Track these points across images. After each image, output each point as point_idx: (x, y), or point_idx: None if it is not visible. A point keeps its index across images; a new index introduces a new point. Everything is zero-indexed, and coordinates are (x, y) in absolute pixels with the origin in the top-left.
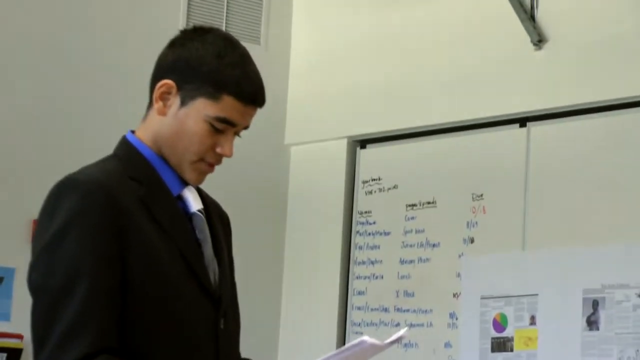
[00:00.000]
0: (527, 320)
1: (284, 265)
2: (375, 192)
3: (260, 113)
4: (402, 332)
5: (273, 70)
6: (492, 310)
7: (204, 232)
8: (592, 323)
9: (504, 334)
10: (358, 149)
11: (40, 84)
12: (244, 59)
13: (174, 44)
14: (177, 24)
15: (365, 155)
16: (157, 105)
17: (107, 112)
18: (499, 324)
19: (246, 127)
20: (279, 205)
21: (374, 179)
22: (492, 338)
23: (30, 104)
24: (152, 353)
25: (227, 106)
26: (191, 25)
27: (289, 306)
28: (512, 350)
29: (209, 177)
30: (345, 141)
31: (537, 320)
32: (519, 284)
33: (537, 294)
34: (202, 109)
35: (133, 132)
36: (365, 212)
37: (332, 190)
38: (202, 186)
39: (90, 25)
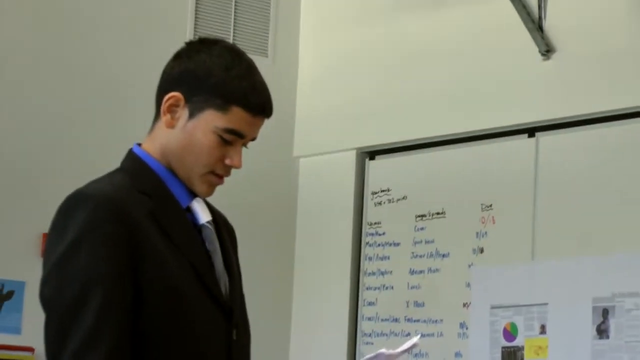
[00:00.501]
0: (537, 330)
1: (293, 277)
2: (384, 203)
3: (268, 125)
4: (414, 339)
5: (281, 82)
6: (502, 320)
7: (213, 244)
8: (602, 332)
9: (514, 343)
10: (367, 160)
11: (50, 98)
12: (251, 70)
13: (180, 56)
14: (185, 37)
15: (374, 167)
16: (165, 117)
17: (117, 125)
18: (509, 333)
19: (254, 139)
20: (288, 218)
21: (383, 190)
22: (503, 347)
23: (41, 118)
24: None
25: (235, 118)
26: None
27: (300, 317)
28: (522, 359)
29: (218, 190)
30: (354, 153)
31: (548, 329)
32: (529, 293)
33: (547, 303)
34: (210, 121)
35: (139, 144)
36: (375, 223)
37: (341, 202)
38: (212, 199)
39: (98, 39)
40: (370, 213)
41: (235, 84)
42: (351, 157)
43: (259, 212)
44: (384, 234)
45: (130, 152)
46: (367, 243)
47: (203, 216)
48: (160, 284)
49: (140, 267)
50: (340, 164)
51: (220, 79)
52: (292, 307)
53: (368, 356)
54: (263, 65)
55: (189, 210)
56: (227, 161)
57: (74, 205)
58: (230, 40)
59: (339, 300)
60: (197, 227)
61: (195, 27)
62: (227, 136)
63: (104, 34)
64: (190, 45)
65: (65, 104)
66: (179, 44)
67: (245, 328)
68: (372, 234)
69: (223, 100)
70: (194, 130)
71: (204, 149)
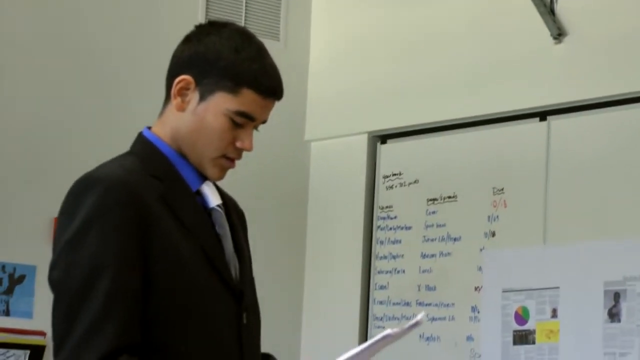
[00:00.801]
0: (549, 313)
1: (305, 261)
2: (396, 186)
3: (280, 109)
4: (419, 316)
5: (292, 66)
6: (514, 304)
7: (223, 228)
8: (613, 315)
9: (526, 327)
10: (378, 144)
11: (60, 83)
12: (262, 52)
13: (189, 39)
14: (196, 20)
15: (386, 150)
16: (176, 101)
17: (127, 109)
18: (521, 317)
19: (264, 121)
20: (299, 202)
21: (395, 174)
22: (514, 331)
23: (51, 103)
24: (176, 348)
25: (246, 100)
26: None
27: (311, 302)
28: (534, 343)
29: (230, 174)
30: (365, 136)
31: (559, 312)
32: (540, 277)
33: (558, 287)
34: (221, 104)
35: (149, 128)
36: (387, 207)
37: (353, 186)
38: (223, 183)
39: (108, 22)
40: (382, 197)
41: (245, 66)
42: (363, 141)
43: (270, 196)
44: (395, 217)
45: (140, 135)
46: (379, 227)
47: (213, 200)
48: (170, 267)
49: (150, 251)
50: (352, 148)
51: (231, 61)
52: (304, 291)
53: (376, 338)
54: (274, 49)
55: (199, 193)
56: (239, 144)
57: (84, 188)
58: (242, 24)
59: (350, 284)
60: (207, 211)
61: (206, 11)
62: (238, 119)
63: (114, 17)
64: (200, 28)
65: (76, 89)
66: (190, 28)
67: (255, 311)
68: (383, 218)
69: (234, 82)
70: (204, 113)
71: (215, 132)
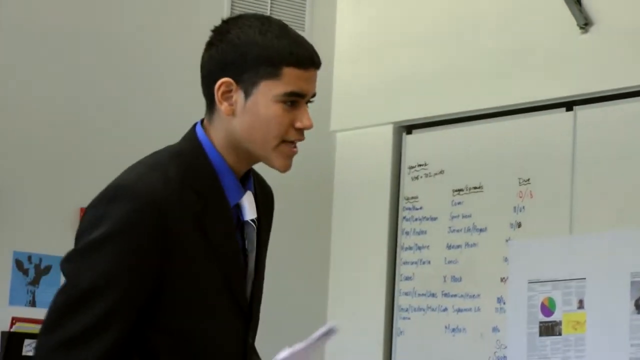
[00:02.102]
0: (575, 304)
1: (330, 252)
2: (421, 177)
3: None
4: (328, 326)
5: None
6: (540, 295)
7: (252, 243)
8: None
9: (552, 318)
10: (404, 134)
11: (88, 74)
12: (285, 27)
13: (212, 44)
14: (222, 12)
15: (411, 141)
16: (223, 106)
17: (153, 102)
18: (547, 308)
19: (314, 95)
20: (325, 192)
21: (420, 165)
22: (540, 322)
23: (79, 94)
24: None
25: (290, 79)
26: (236, 13)
27: (337, 293)
28: (560, 334)
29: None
30: (391, 127)
31: (585, 303)
32: (567, 267)
33: (584, 278)
34: (268, 92)
35: (203, 126)
36: (412, 198)
37: (378, 176)
38: None
39: (134, 15)
40: (407, 187)
41: (276, 44)
42: (388, 132)
43: (296, 187)
44: (421, 208)
45: (193, 132)
46: (404, 217)
47: (249, 213)
48: (182, 289)
49: (165, 274)
50: (377, 139)
51: (261, 46)
52: (329, 282)
53: (318, 333)
54: None
55: (238, 206)
56: (298, 124)
57: (119, 197)
58: (267, 14)
59: (375, 275)
60: (241, 222)
61: (232, 3)
62: (289, 99)
63: (140, 12)
64: (217, 30)
65: (104, 81)
66: (216, 20)
67: (256, 324)
68: (409, 209)
69: (272, 66)
70: (255, 108)
71: (272, 121)
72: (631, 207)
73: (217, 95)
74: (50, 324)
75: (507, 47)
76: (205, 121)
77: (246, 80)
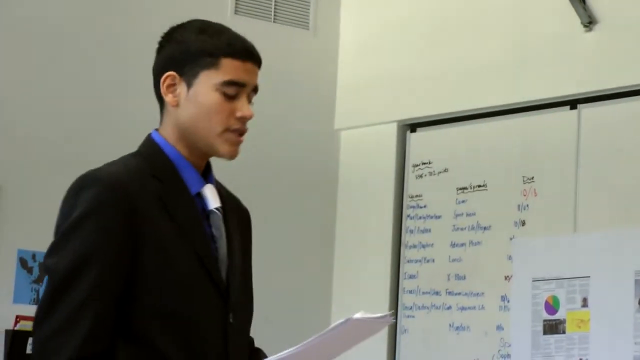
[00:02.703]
0: (579, 303)
1: (334, 250)
2: (425, 175)
3: (310, 98)
4: (385, 314)
5: (322, 55)
6: (544, 293)
7: (219, 230)
8: None
9: (556, 317)
10: (408, 132)
11: (91, 73)
12: (224, 27)
13: (161, 47)
14: (226, 10)
15: (416, 139)
16: (168, 98)
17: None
18: (551, 306)
19: (255, 89)
20: (329, 190)
21: (425, 163)
22: (544, 320)
23: (82, 93)
24: (162, 344)
25: (228, 68)
26: (240, 12)
27: (341, 291)
28: (564, 332)
29: (260, 162)
30: (395, 125)
31: (589, 302)
32: (571, 266)
33: (589, 276)
34: (207, 81)
35: (157, 130)
36: (416, 196)
37: (383, 175)
38: (252, 173)
39: (137, 15)
40: (412, 186)
41: (215, 38)
42: (392, 130)
43: (301, 184)
44: (425, 206)
45: (148, 137)
46: (408, 216)
47: (212, 202)
48: (159, 267)
49: (140, 251)
50: (382, 137)
51: (201, 40)
52: (333, 280)
53: (336, 323)
54: (304, 38)
55: (200, 195)
56: (238, 113)
57: (85, 186)
58: (272, 14)
59: (379, 273)
60: (206, 213)
61: (236, 2)
62: (228, 89)
63: (143, 12)
64: (163, 36)
65: (108, 82)
66: (220, 17)
67: (245, 312)
68: (413, 207)
69: (211, 56)
70: (196, 97)
71: (212, 108)
72: (635, 205)
73: (163, 88)
74: (38, 318)
75: (511, 45)
76: (159, 125)
77: (188, 72)
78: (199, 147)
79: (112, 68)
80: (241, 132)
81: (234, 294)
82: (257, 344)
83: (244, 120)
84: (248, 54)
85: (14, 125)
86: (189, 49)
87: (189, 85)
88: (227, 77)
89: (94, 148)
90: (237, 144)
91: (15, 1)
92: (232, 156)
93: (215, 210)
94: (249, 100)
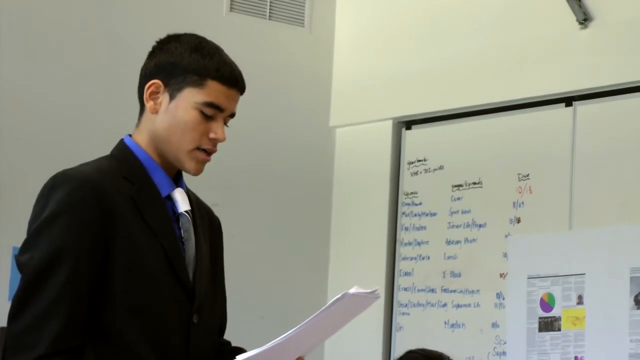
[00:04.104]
0: (575, 300)
1: (330, 247)
2: (420, 173)
3: (305, 96)
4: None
5: (317, 52)
6: (539, 290)
7: (188, 232)
8: (639, 302)
9: (551, 314)
10: (403, 130)
11: (90, 73)
12: (219, 49)
13: (153, 53)
14: (221, 8)
15: (411, 136)
16: (148, 104)
17: None
18: (546, 303)
19: (232, 115)
20: (324, 188)
21: (420, 160)
22: (540, 318)
23: (80, 92)
24: (128, 340)
25: (212, 91)
26: (235, 11)
27: (336, 288)
28: (559, 329)
29: (255, 160)
30: (390, 122)
31: (585, 299)
32: (566, 263)
33: (584, 274)
34: (190, 98)
35: (131, 135)
36: (411, 193)
37: (378, 172)
38: (248, 169)
39: (133, 15)
40: (407, 183)
41: (207, 60)
42: (388, 127)
43: (296, 182)
44: (420, 204)
45: (121, 141)
46: (404, 213)
47: (182, 205)
48: (128, 264)
49: (112, 248)
50: (377, 134)
51: (193, 58)
52: (328, 278)
53: (334, 298)
54: (299, 36)
55: (170, 198)
56: (212, 135)
57: (57, 184)
58: (267, 11)
59: (375, 271)
60: (176, 215)
61: (231, 0)
62: (207, 110)
63: (139, 12)
64: (159, 41)
65: (105, 81)
66: (215, 16)
67: (211, 314)
68: (408, 204)
69: (198, 75)
70: (176, 110)
71: (188, 125)
72: (631, 202)
73: (146, 93)
74: (12, 313)
75: (506, 42)
76: (135, 127)
77: (173, 85)
78: (166, 157)
79: (111, 67)
80: (210, 153)
81: (199, 295)
82: (252, 342)
83: (215, 142)
84: (234, 82)
85: (9, 124)
86: (180, 63)
87: (172, 97)
88: (209, 99)
89: (90, 147)
90: (204, 162)
91: (14, 1)
92: (196, 173)
93: (184, 213)
94: (226, 123)
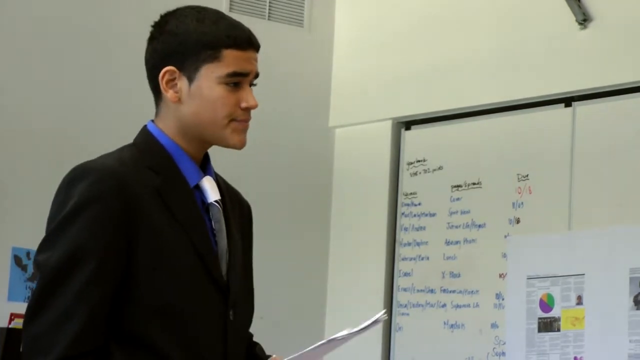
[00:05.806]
0: (574, 300)
1: (329, 248)
2: (420, 173)
3: (304, 96)
4: (378, 315)
5: (317, 52)
6: (539, 291)
7: (219, 223)
8: (639, 302)
9: (551, 314)
10: (403, 130)
11: (88, 72)
12: (221, 14)
13: (153, 38)
14: (220, 8)
15: (410, 137)
16: (168, 94)
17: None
18: (546, 304)
19: (257, 75)
20: (324, 188)
21: (419, 160)
22: (539, 318)
23: (79, 91)
24: (160, 342)
25: (230, 60)
26: (235, 11)
27: (335, 288)
28: (559, 330)
29: (254, 161)
30: (389, 123)
31: (584, 300)
32: (565, 263)
33: (583, 274)
34: (210, 74)
35: (153, 121)
36: (411, 194)
37: (377, 172)
38: (247, 171)
39: (133, 14)
40: (406, 183)
41: (214, 30)
42: (387, 127)
43: (295, 182)
44: (419, 204)
45: (144, 128)
46: (403, 213)
47: (212, 195)
48: (154, 260)
49: (136, 243)
50: (376, 134)
51: (199, 32)
52: (328, 278)
53: (321, 342)
54: (299, 36)
55: (198, 188)
56: (243, 104)
57: (78, 177)
58: (266, 11)
59: (374, 271)
60: (206, 205)
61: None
62: (232, 80)
63: (139, 11)
64: (156, 24)
65: (104, 80)
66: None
67: (246, 307)
68: (407, 205)
69: (211, 49)
70: (199, 91)
71: (217, 102)
72: (630, 203)
73: (162, 84)
74: (28, 314)
75: (505, 43)
76: (155, 117)
77: (188, 67)
78: (206, 140)
79: (112, 67)
80: (246, 120)
81: (234, 290)
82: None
83: (248, 110)
84: (248, 43)
85: (9, 122)
86: (188, 42)
87: (191, 80)
88: (230, 69)
89: (91, 145)
90: (245, 131)
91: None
92: (242, 145)
93: (214, 203)
94: (252, 84)
